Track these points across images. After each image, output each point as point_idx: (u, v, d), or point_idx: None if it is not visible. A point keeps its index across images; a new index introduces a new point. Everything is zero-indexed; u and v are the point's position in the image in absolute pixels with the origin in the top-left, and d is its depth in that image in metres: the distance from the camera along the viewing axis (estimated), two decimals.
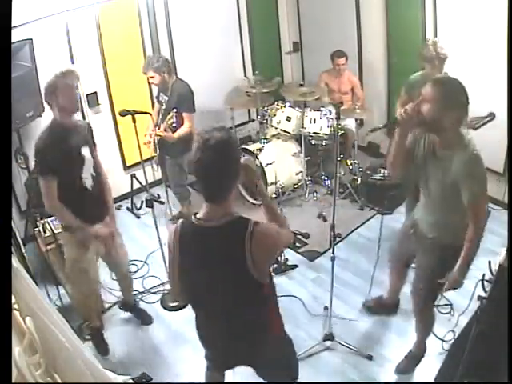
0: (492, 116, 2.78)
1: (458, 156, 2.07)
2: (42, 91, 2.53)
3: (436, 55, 2.89)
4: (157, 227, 3.12)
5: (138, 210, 4.54)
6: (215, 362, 2.18)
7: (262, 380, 2.11)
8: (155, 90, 4.19)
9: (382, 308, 3.18)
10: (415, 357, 2.77)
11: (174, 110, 3.61)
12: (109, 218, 2.79)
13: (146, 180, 3.14)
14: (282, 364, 2.07)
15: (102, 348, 3.00)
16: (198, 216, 1.72)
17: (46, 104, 2.59)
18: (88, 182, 2.64)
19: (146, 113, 3.10)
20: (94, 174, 2.68)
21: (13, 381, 1.41)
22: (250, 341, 1.89)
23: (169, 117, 3.62)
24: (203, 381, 2.63)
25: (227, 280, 1.72)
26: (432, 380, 2.49)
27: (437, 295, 2.57)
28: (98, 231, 2.67)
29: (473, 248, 2.23)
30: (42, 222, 3.12)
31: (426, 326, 2.71)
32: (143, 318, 3.25)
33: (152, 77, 3.68)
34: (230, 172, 1.65)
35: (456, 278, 2.33)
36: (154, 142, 3.54)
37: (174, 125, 3.64)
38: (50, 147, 2.45)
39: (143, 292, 3.44)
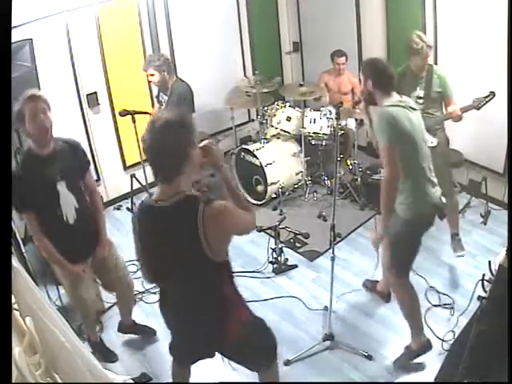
0: (493, 94, 2.96)
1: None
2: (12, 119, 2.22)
3: (425, 46, 3.01)
4: None
5: None
6: (178, 352, 2.20)
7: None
8: (155, 90, 4.19)
9: (376, 292, 3.27)
10: (411, 351, 2.71)
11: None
12: (99, 250, 2.63)
13: (146, 180, 3.14)
14: (254, 349, 2.04)
15: (108, 356, 2.94)
16: (153, 197, 1.76)
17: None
18: (70, 215, 2.45)
19: (145, 113, 3.11)
20: (77, 206, 2.47)
21: (13, 381, 1.41)
22: (209, 324, 1.87)
23: None
24: (203, 381, 2.63)
25: (181, 259, 1.75)
26: (432, 380, 2.49)
27: (408, 269, 2.66)
28: (80, 271, 2.54)
29: (386, 191, 2.40)
30: None
31: (409, 308, 2.68)
32: (147, 333, 3.10)
33: (152, 75, 3.67)
34: (176, 152, 1.65)
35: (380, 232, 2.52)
36: None
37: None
38: (23, 180, 2.28)
39: (143, 292, 3.44)
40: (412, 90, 3.15)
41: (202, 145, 1.79)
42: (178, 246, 1.73)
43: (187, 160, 1.69)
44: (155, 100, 4.15)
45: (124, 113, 2.92)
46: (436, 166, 3.08)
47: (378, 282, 3.27)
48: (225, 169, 1.91)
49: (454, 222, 3.48)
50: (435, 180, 2.55)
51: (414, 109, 2.50)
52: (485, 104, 2.97)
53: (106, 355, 2.92)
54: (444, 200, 2.56)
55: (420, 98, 3.16)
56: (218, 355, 2.11)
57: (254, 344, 2.04)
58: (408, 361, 2.71)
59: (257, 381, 2.26)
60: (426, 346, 2.68)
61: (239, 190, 1.99)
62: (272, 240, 3.62)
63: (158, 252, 1.80)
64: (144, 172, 3.06)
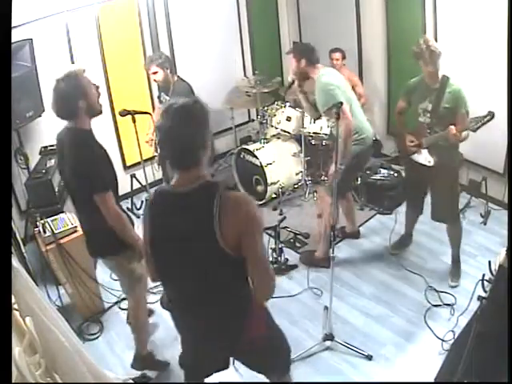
0: (491, 115, 2.70)
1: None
2: (66, 97, 2.15)
3: (426, 49, 2.81)
4: None
5: (138, 209, 4.54)
6: (191, 368, 2.07)
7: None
8: (155, 90, 4.19)
9: (347, 235, 3.91)
10: (344, 233, 3.86)
11: None
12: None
13: (146, 180, 3.14)
14: (271, 354, 1.96)
15: (162, 366, 2.84)
16: (171, 183, 1.68)
17: (69, 111, 2.20)
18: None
19: (145, 113, 3.11)
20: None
21: (13, 381, 1.41)
22: (226, 329, 1.77)
23: None
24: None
25: (195, 250, 1.63)
26: (432, 380, 2.49)
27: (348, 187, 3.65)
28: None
29: (348, 138, 3.13)
30: (42, 221, 3.12)
31: (349, 204, 3.76)
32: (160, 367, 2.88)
33: (155, 72, 3.66)
34: (194, 137, 1.59)
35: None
36: (155, 142, 3.54)
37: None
38: (101, 159, 2.28)
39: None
40: (421, 101, 2.97)
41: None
42: (192, 234, 1.62)
43: (204, 147, 1.63)
44: (156, 100, 4.15)
45: (124, 113, 2.91)
46: (437, 187, 3.13)
47: (344, 227, 3.90)
48: None
49: (454, 246, 3.35)
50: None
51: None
52: (482, 125, 2.73)
53: (159, 367, 2.83)
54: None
55: (427, 111, 2.95)
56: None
57: (272, 351, 1.96)
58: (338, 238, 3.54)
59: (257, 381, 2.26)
60: (357, 233, 3.91)
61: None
62: (272, 240, 3.61)
63: (171, 240, 1.67)
64: (144, 172, 3.05)
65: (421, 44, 2.84)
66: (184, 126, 1.56)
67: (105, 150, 2.34)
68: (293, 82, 3.32)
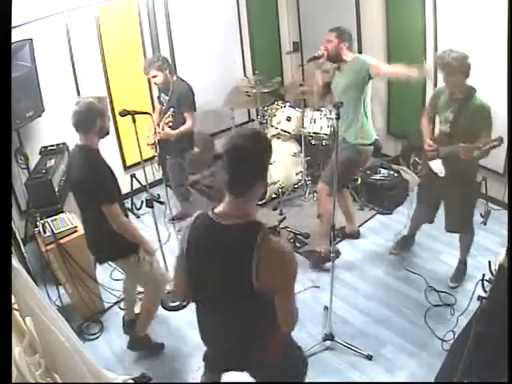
0: (499, 140, 2.64)
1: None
2: (83, 118, 2.46)
3: (450, 62, 2.70)
4: (157, 227, 3.12)
5: (138, 209, 4.54)
6: (211, 364, 2.13)
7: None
8: (155, 90, 4.19)
9: (347, 235, 3.93)
10: (344, 233, 3.88)
11: (171, 110, 3.62)
12: None
13: (146, 180, 3.14)
14: (285, 375, 2.00)
15: (157, 347, 3.02)
16: (215, 210, 1.68)
17: (78, 131, 2.51)
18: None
19: (145, 113, 3.10)
20: None
21: (13, 381, 1.41)
22: (247, 349, 1.83)
23: (166, 116, 3.63)
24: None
25: (229, 283, 1.67)
26: (432, 380, 2.49)
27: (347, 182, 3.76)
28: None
29: None
30: (42, 221, 3.12)
31: (347, 203, 3.78)
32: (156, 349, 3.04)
33: (155, 76, 3.67)
34: (258, 165, 1.62)
35: None
36: (155, 142, 3.55)
37: (170, 124, 3.65)
38: (107, 175, 2.55)
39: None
40: (444, 109, 2.94)
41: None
42: (227, 270, 1.65)
43: (262, 181, 1.66)
44: (156, 101, 4.15)
45: (124, 113, 2.91)
46: (450, 198, 3.12)
47: (344, 227, 3.91)
48: None
49: (463, 252, 3.33)
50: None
51: None
52: (491, 149, 2.69)
53: (153, 348, 3.00)
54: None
55: (448, 121, 2.90)
56: None
57: (285, 374, 2.00)
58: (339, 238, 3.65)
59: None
60: (357, 233, 3.94)
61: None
62: None
63: (205, 268, 1.71)
64: (144, 172, 3.05)
65: (442, 57, 2.77)
66: (256, 152, 1.60)
67: (109, 167, 2.61)
68: (319, 57, 3.31)
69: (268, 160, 1.68)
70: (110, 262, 2.86)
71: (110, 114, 2.78)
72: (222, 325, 1.81)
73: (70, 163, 2.68)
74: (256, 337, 1.80)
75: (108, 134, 2.63)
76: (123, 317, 3.14)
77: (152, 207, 3.09)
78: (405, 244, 3.71)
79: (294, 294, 1.77)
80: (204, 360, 2.13)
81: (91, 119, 2.47)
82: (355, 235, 3.94)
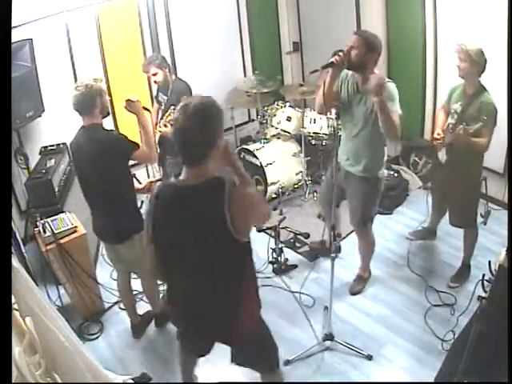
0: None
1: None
2: (84, 99, 2.54)
3: (462, 49, 2.82)
4: None
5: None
6: (187, 343, 2.20)
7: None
8: (155, 89, 4.19)
9: (322, 250, 3.70)
10: (362, 279, 3.42)
11: (172, 108, 3.62)
12: None
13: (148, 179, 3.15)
14: (260, 348, 2.09)
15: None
16: (179, 178, 1.80)
17: (82, 113, 2.60)
18: None
19: (145, 109, 3.11)
20: None
21: (13, 381, 1.41)
22: (223, 310, 1.89)
23: (167, 114, 3.63)
24: (203, 381, 2.63)
25: (204, 237, 1.77)
26: (432, 380, 2.49)
27: (369, 218, 3.22)
28: None
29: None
30: (42, 221, 3.12)
31: (367, 245, 3.36)
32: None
33: (155, 74, 3.67)
34: (208, 136, 1.70)
35: None
36: (155, 142, 3.54)
37: (171, 122, 3.64)
38: (121, 135, 2.72)
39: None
40: (454, 103, 3.03)
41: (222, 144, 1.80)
42: (202, 225, 1.75)
43: (214, 147, 1.73)
44: (154, 100, 4.15)
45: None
46: (453, 191, 3.16)
47: (322, 241, 3.73)
48: (240, 166, 1.91)
49: (467, 252, 3.33)
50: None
51: None
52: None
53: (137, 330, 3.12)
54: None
55: (456, 113, 3.00)
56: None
57: (262, 344, 2.08)
58: (362, 289, 3.38)
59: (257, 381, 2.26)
60: (370, 275, 3.49)
61: (255, 188, 2.03)
62: (272, 240, 3.61)
63: (177, 232, 1.80)
64: (147, 171, 3.07)
65: (462, 44, 2.86)
66: (196, 126, 1.67)
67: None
68: (336, 64, 2.72)
69: (215, 128, 1.74)
70: (109, 262, 2.86)
71: (110, 113, 2.79)
72: (198, 289, 1.87)
73: (79, 144, 2.66)
74: (231, 298, 1.87)
75: (109, 114, 2.75)
76: (131, 321, 3.15)
77: None
78: (423, 235, 3.80)
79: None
80: (179, 339, 2.20)
81: (92, 99, 2.54)
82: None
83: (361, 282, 3.41)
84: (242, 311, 1.89)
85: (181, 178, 1.80)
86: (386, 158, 3.04)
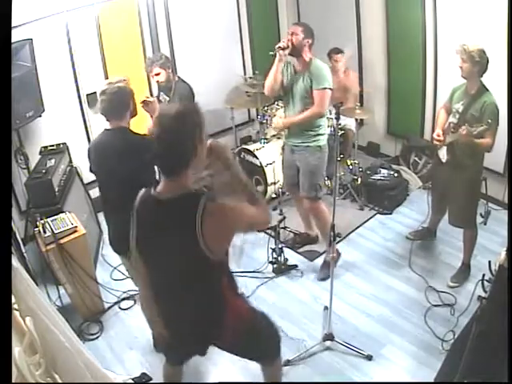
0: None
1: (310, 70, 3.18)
2: (118, 104, 2.46)
3: (464, 49, 2.87)
4: None
5: None
6: (173, 353, 2.20)
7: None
8: (155, 90, 4.19)
9: (309, 240, 3.87)
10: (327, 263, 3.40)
11: None
12: None
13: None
14: (256, 343, 2.06)
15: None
16: (156, 189, 1.76)
17: (112, 117, 2.50)
18: None
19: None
20: None
21: (13, 381, 1.41)
22: (203, 321, 1.86)
23: None
24: (203, 381, 2.63)
25: (177, 253, 1.73)
26: (432, 380, 2.49)
27: (319, 187, 3.44)
28: None
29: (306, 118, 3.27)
30: (42, 222, 3.12)
31: (323, 221, 3.44)
32: None
33: (158, 74, 3.66)
34: (186, 145, 1.64)
35: None
36: None
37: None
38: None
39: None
40: (457, 101, 3.05)
41: (209, 144, 1.77)
42: (175, 240, 1.71)
43: (195, 155, 1.67)
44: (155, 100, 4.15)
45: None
46: (453, 191, 3.17)
47: (306, 233, 3.88)
48: (234, 164, 1.87)
49: (466, 252, 3.33)
50: None
51: None
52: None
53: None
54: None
55: (458, 112, 3.02)
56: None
57: (257, 338, 2.05)
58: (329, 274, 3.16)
59: (257, 381, 2.26)
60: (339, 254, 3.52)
61: (252, 186, 1.97)
62: (272, 240, 3.61)
63: (154, 244, 1.78)
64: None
65: (464, 44, 2.90)
66: (175, 133, 1.63)
67: None
68: (284, 48, 3.16)
69: (191, 138, 1.65)
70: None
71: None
72: (176, 308, 1.85)
73: (105, 147, 2.54)
74: (210, 305, 1.85)
75: (136, 114, 2.64)
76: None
77: None
78: (423, 235, 3.79)
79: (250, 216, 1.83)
80: (163, 351, 2.21)
81: (125, 102, 2.48)
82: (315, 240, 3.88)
83: (326, 265, 3.47)
84: (223, 314, 1.87)
85: (158, 188, 1.76)
86: (325, 130, 3.42)
